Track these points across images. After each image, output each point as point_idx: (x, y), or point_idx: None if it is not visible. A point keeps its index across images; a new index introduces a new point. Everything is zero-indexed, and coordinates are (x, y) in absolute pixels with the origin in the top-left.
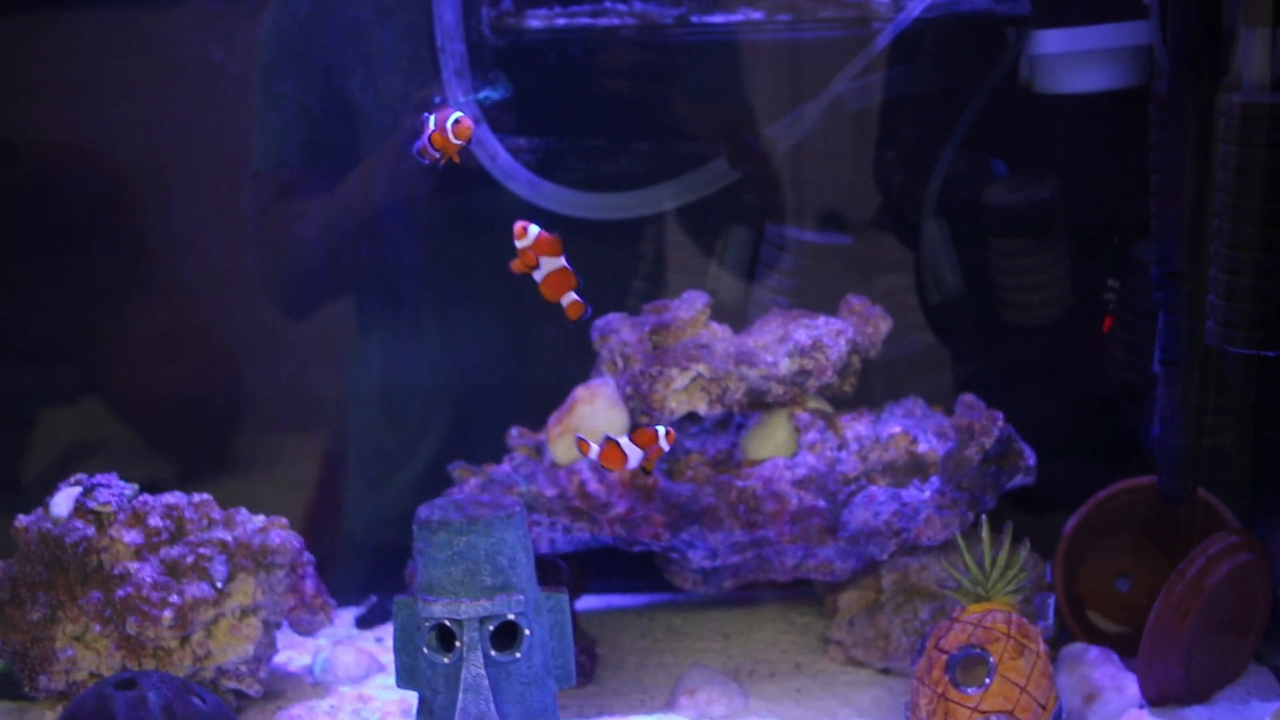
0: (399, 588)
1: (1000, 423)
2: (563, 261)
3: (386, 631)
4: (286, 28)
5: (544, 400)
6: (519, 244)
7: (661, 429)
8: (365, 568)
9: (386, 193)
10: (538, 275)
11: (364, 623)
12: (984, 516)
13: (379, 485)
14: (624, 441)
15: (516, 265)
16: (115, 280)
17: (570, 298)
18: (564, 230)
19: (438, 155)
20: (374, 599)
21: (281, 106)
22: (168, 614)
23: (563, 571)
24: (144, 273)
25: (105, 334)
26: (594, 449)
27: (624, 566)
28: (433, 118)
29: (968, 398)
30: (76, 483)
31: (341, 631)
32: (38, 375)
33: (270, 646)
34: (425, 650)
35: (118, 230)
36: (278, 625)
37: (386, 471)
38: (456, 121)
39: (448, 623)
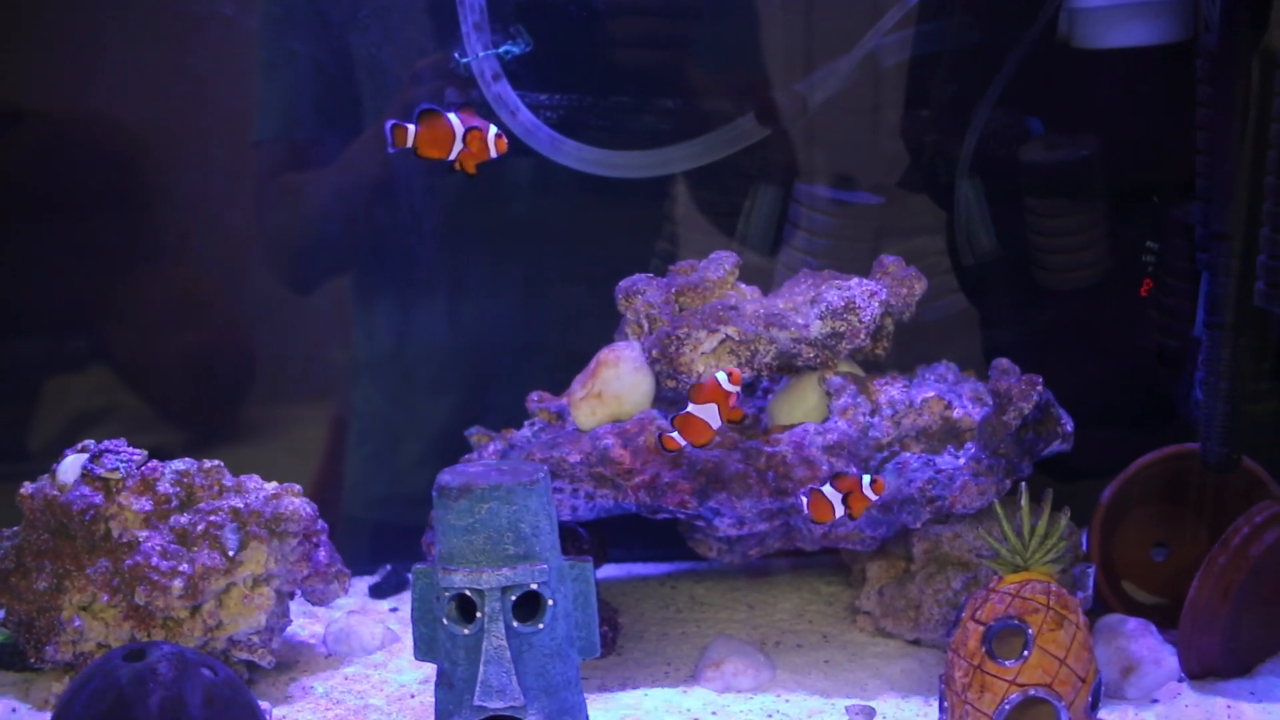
0: (414, 556)
1: (1039, 388)
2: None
3: (401, 601)
4: None
5: (565, 364)
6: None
7: (866, 478)
8: (380, 535)
9: (398, 158)
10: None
11: (378, 591)
12: (1023, 484)
13: (393, 451)
14: (827, 490)
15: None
16: (123, 246)
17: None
18: (588, 189)
19: (451, 160)
20: (389, 567)
21: (295, 64)
22: (178, 583)
23: (584, 540)
24: (153, 238)
25: (113, 301)
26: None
27: (645, 534)
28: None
29: (1002, 362)
30: (83, 449)
31: (355, 601)
32: (45, 343)
33: (283, 616)
34: (445, 621)
35: (126, 195)
36: (291, 595)
37: (400, 438)
38: (498, 135)
39: (468, 593)
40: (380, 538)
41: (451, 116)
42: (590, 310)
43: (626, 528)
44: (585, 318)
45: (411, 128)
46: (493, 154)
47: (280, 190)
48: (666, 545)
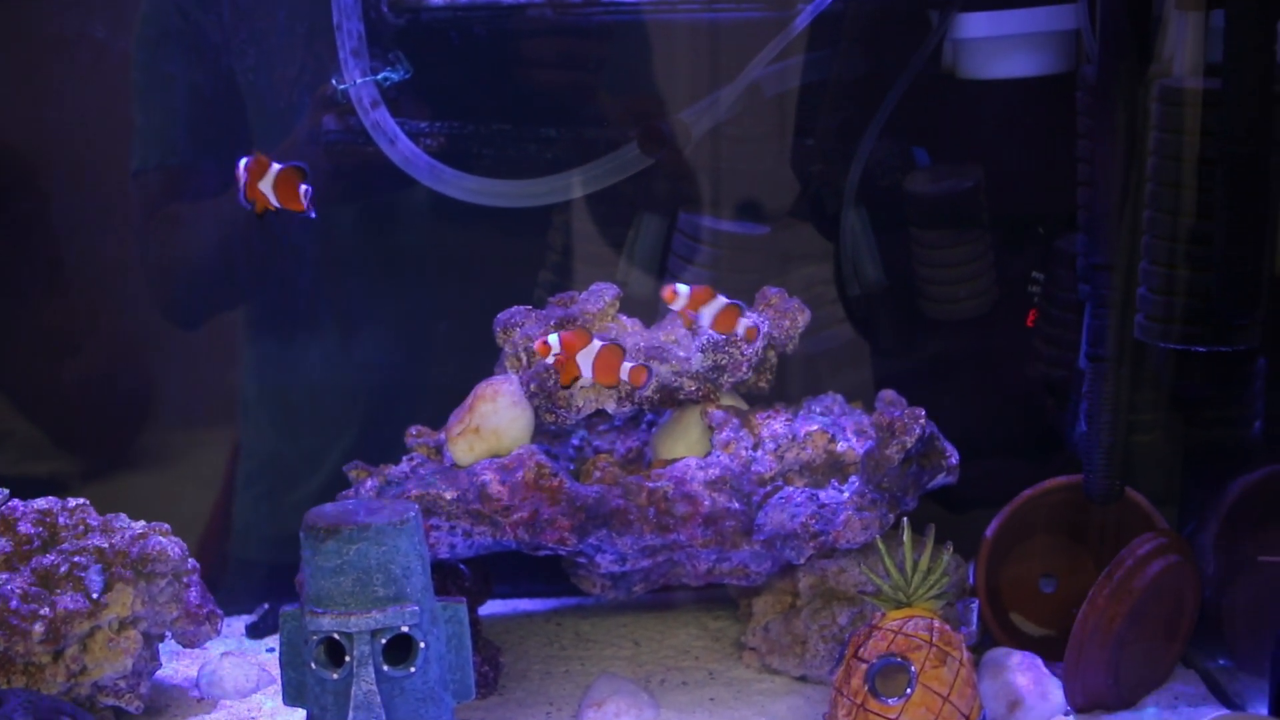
0: (293, 595)
1: (922, 420)
2: (723, 298)
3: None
4: (175, 2)
5: (454, 398)
6: (675, 306)
7: (627, 365)
8: (262, 574)
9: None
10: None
11: (255, 631)
12: (905, 519)
13: (283, 489)
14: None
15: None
16: (12, 272)
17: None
18: (469, 219)
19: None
20: (265, 606)
21: (170, 88)
22: (38, 627)
23: (465, 577)
24: (42, 263)
25: (3, 326)
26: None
27: (530, 570)
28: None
29: (888, 394)
30: None
31: (231, 642)
32: None
33: (152, 660)
34: (313, 665)
35: (12, 220)
36: (160, 637)
37: (289, 475)
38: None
39: (337, 636)
40: (271, 577)
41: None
42: (474, 343)
43: (511, 563)
44: (469, 350)
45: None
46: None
47: (159, 220)
48: (552, 581)
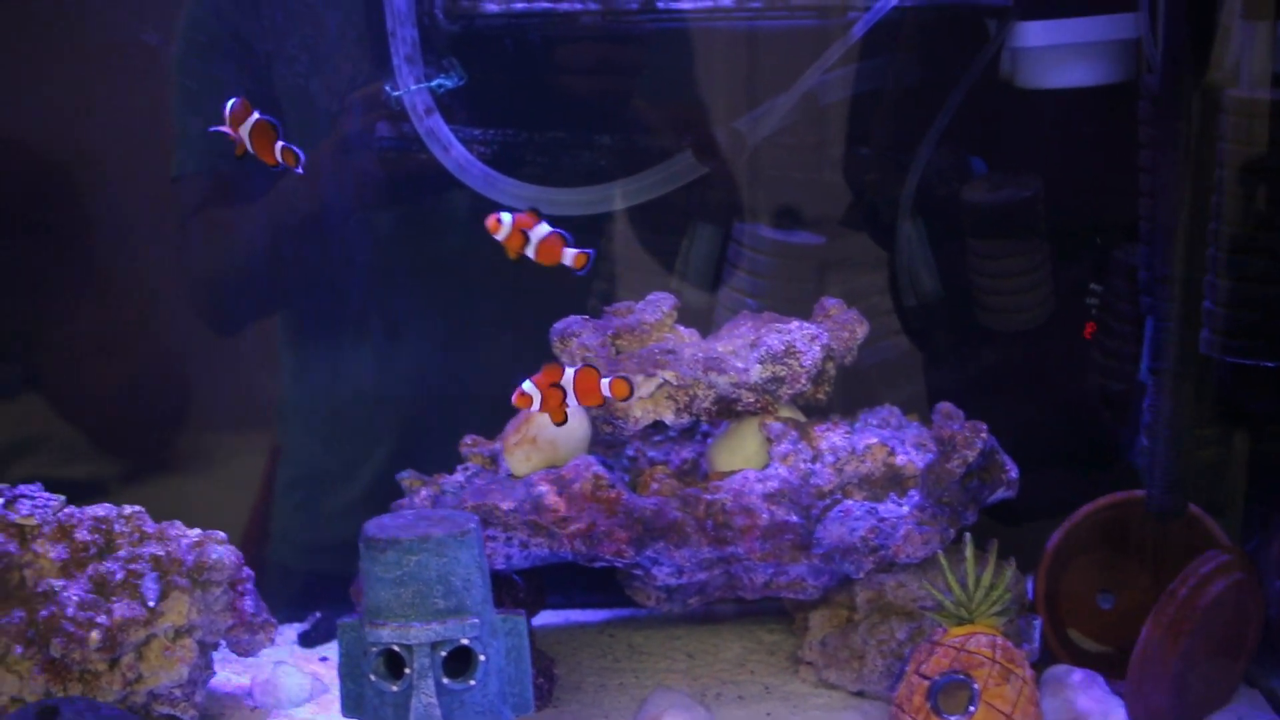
0: (344, 603)
1: (984, 435)
2: (546, 225)
3: (331, 650)
4: (225, 8)
5: (502, 408)
6: (500, 236)
7: (605, 381)
8: (310, 582)
9: (330, 193)
10: (531, 250)
11: (307, 640)
12: (968, 535)
13: (324, 496)
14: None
15: (512, 252)
16: (55, 275)
17: (570, 253)
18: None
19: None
20: (318, 615)
21: (218, 93)
22: (95, 635)
23: (519, 588)
24: (84, 267)
25: (45, 329)
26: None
27: (583, 580)
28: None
29: (945, 407)
30: None
31: (284, 651)
32: None
33: (206, 668)
34: (372, 677)
35: (51, 223)
36: (214, 646)
37: (330, 482)
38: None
39: (396, 648)
40: (310, 585)
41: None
42: (526, 352)
43: (564, 573)
44: (516, 359)
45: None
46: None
47: (200, 225)
48: (605, 591)
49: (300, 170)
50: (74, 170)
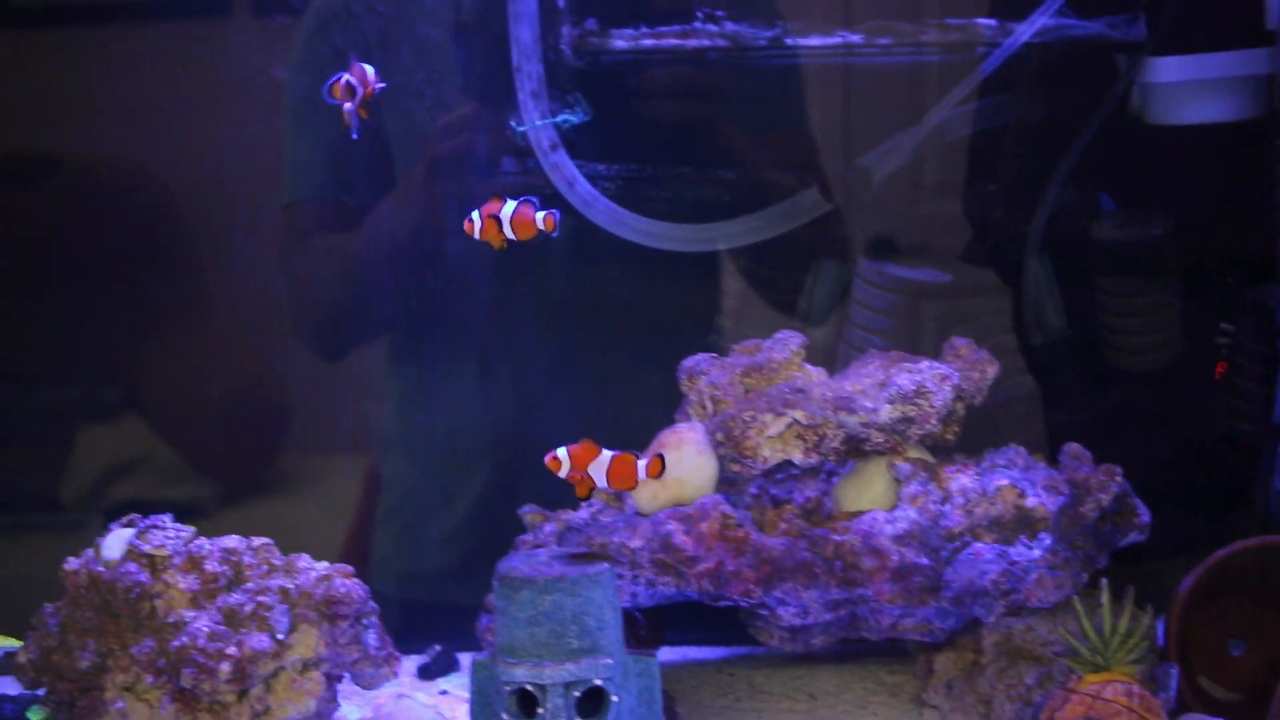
0: (448, 633)
1: (1119, 478)
2: (511, 202)
3: (450, 683)
4: (346, 42)
5: (614, 443)
6: (475, 234)
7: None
8: (397, 609)
9: (421, 222)
10: (509, 231)
11: (427, 673)
12: (1104, 580)
13: (416, 525)
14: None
15: (495, 242)
16: (158, 298)
17: (539, 216)
18: (645, 261)
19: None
20: (437, 648)
21: (335, 123)
22: (225, 666)
23: (640, 625)
24: (187, 291)
25: (147, 351)
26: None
27: (701, 617)
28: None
29: (1074, 448)
30: (129, 523)
31: (405, 682)
32: (79, 392)
33: (332, 701)
34: (505, 716)
35: (162, 248)
36: (339, 678)
37: (423, 512)
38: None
39: (530, 688)
40: (409, 613)
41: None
42: (641, 387)
43: (681, 610)
44: (637, 395)
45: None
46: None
47: (309, 252)
48: (723, 628)
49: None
50: (182, 197)
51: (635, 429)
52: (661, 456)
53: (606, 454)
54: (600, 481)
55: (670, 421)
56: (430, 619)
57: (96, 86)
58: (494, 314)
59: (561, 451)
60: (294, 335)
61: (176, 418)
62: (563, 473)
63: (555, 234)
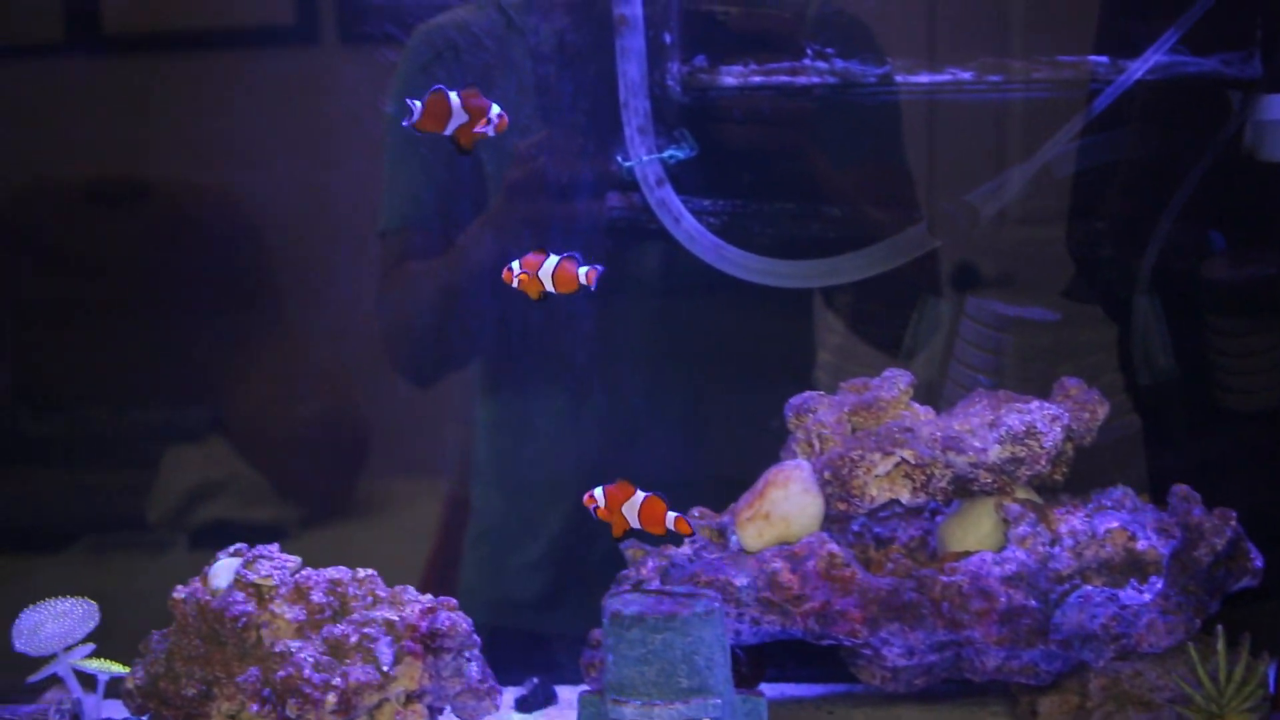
0: (535, 664)
1: (1234, 522)
2: (553, 256)
3: (548, 716)
4: (460, 79)
5: (719, 485)
6: (514, 284)
7: (671, 515)
8: (484, 637)
9: (506, 249)
10: (549, 285)
11: (525, 706)
12: (1219, 626)
13: (501, 553)
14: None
15: (533, 293)
16: (245, 320)
17: (582, 271)
18: (749, 296)
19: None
20: (535, 681)
21: (434, 153)
22: (331, 697)
23: (741, 662)
24: (273, 315)
25: (232, 374)
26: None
27: (798, 653)
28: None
29: (1183, 489)
30: (236, 553)
31: (504, 714)
32: (164, 414)
33: None
34: None
35: (253, 273)
36: (441, 710)
37: (509, 541)
38: (500, 115)
39: None
40: (495, 641)
41: (453, 95)
42: (738, 424)
43: (781, 646)
44: (734, 432)
45: (417, 104)
46: (491, 132)
47: (402, 278)
48: (821, 665)
49: None
50: (270, 222)
51: (731, 464)
52: (688, 521)
53: (639, 495)
54: (633, 522)
55: (765, 457)
56: (514, 647)
57: (203, 115)
58: (590, 345)
59: (598, 491)
60: (386, 361)
61: (263, 441)
62: (592, 509)
63: (593, 288)
